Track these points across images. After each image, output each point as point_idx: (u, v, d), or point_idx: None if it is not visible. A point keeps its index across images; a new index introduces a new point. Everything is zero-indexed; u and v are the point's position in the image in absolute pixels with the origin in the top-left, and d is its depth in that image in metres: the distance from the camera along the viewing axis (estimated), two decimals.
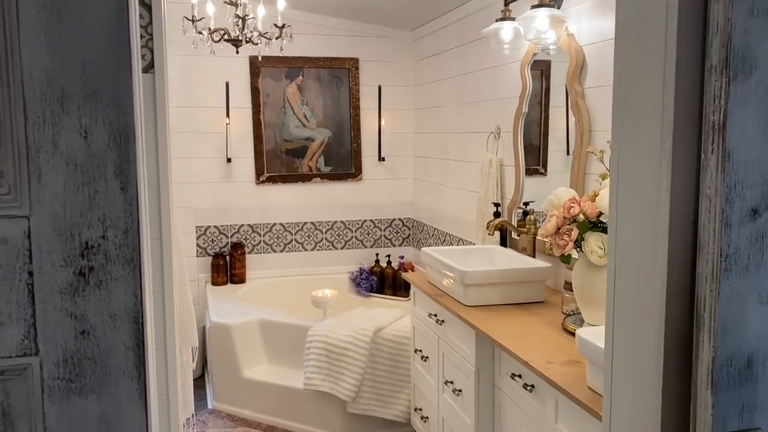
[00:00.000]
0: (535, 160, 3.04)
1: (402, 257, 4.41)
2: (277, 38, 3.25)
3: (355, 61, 4.43)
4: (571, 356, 1.95)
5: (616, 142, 0.95)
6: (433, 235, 4.23)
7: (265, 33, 3.25)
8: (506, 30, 2.81)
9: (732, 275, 0.80)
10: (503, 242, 3.10)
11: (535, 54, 2.86)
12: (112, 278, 0.61)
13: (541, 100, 2.96)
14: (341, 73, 4.44)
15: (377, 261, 4.46)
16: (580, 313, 2.26)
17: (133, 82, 0.59)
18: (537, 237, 2.81)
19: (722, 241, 0.79)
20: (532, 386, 2.01)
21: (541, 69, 2.94)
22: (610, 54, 2.42)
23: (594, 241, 2.07)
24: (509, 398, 2.19)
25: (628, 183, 0.92)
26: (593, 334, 1.71)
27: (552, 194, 2.25)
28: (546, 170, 3.03)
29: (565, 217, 2.14)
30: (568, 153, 2.91)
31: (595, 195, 2.14)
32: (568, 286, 2.38)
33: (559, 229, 2.15)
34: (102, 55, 0.59)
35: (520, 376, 2.09)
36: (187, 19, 3.09)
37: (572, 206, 2.10)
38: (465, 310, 2.42)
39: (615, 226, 0.96)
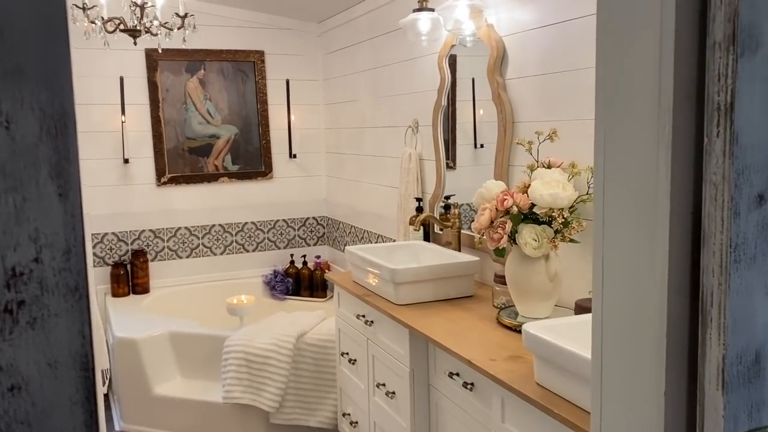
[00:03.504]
0: (445, 153, 3.00)
1: (318, 257, 4.27)
2: (179, 28, 3.02)
3: (260, 54, 4.23)
4: (513, 351, 1.91)
5: (600, 127, 0.89)
6: (350, 233, 4.12)
7: (166, 23, 3.01)
8: (424, 21, 2.74)
9: (741, 266, 0.75)
10: (426, 237, 3.05)
11: (453, 45, 2.82)
12: (51, 314, 0.45)
13: (449, 93, 2.92)
14: (246, 66, 4.23)
15: (292, 262, 4.29)
16: (513, 305, 2.23)
17: (70, 54, 0.44)
18: (468, 231, 2.76)
19: (731, 231, 0.74)
20: (472, 384, 1.96)
21: (449, 63, 2.89)
22: (530, 45, 2.42)
23: (528, 233, 2.04)
24: (447, 398, 2.13)
25: (617, 171, 0.85)
26: (540, 328, 1.67)
27: (482, 187, 2.21)
28: (455, 164, 3.00)
29: (498, 210, 2.10)
30: (476, 146, 2.90)
31: (526, 186, 2.12)
32: (499, 279, 2.35)
33: (492, 222, 2.11)
34: (27, 17, 0.42)
35: (458, 375, 2.03)
36: (77, 7, 2.80)
37: (506, 199, 2.06)
38: (396, 310, 2.33)
39: (602, 217, 0.90)
